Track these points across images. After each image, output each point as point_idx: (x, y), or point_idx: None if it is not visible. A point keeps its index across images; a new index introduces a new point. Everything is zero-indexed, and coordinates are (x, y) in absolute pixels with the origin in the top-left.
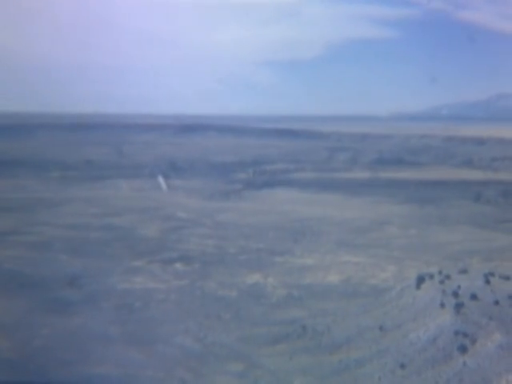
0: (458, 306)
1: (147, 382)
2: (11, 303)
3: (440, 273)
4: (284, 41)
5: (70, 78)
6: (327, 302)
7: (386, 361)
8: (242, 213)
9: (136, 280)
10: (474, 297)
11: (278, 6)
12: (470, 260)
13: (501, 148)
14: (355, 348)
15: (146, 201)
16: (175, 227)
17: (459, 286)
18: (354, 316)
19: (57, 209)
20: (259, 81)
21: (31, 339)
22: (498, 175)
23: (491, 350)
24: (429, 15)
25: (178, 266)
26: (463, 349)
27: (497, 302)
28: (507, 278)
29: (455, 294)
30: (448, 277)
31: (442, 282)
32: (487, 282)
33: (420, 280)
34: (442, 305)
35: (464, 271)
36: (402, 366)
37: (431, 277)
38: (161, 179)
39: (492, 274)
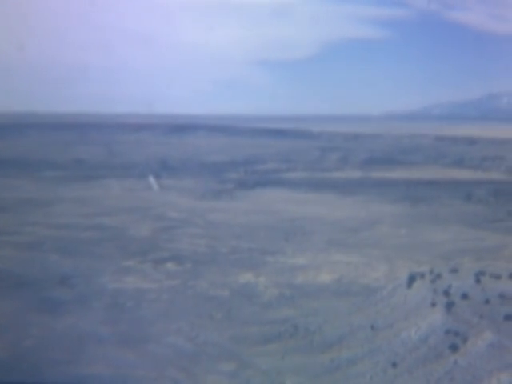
0: (449, 305)
1: (139, 382)
2: (1, 303)
3: (431, 272)
4: (277, 41)
5: (60, 77)
6: (319, 301)
7: (378, 360)
8: (234, 212)
9: (127, 280)
10: (465, 296)
11: (272, 5)
12: (461, 259)
13: (492, 148)
14: (347, 347)
15: (137, 200)
16: (167, 227)
17: (450, 285)
18: (346, 315)
19: (47, 209)
20: (252, 80)
21: (21, 339)
22: (489, 175)
23: (482, 349)
24: (421, 15)
25: (170, 265)
26: (454, 347)
27: (487, 301)
28: (498, 277)
29: (446, 293)
30: (439, 276)
31: (433, 281)
32: (478, 281)
33: (411, 279)
34: (433, 304)
35: (455, 270)
36: (394, 365)
37: (422, 276)
38: (152, 179)
39: (483, 273)
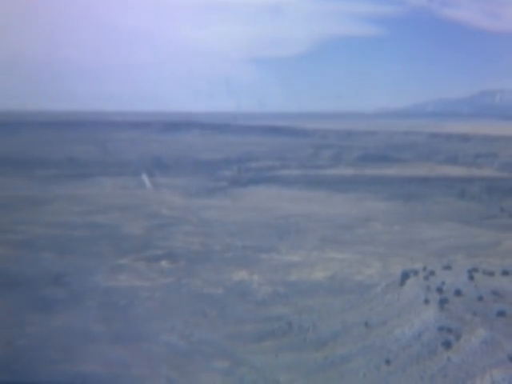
0: (443, 302)
1: (133, 380)
2: None
3: (424, 269)
4: (268, 38)
5: (53, 75)
6: (313, 298)
7: (372, 357)
8: (228, 210)
9: (121, 278)
10: (458, 293)
11: (262, 2)
12: (455, 256)
13: (485, 144)
14: (341, 344)
15: (130, 198)
16: (160, 225)
17: (443, 282)
18: (340, 312)
19: (41, 207)
20: (243, 78)
21: (16, 338)
22: (482, 171)
23: (475, 346)
24: (415, 13)
25: (164, 263)
26: (448, 344)
27: (481, 298)
28: (491, 273)
29: (439, 290)
30: (432, 273)
31: (426, 278)
32: (471, 277)
33: (405, 276)
34: (427, 301)
35: (448, 267)
36: (387, 362)
37: (416, 273)
38: (145, 177)
39: (476, 270)
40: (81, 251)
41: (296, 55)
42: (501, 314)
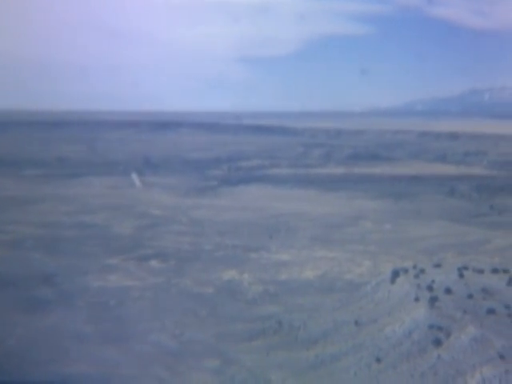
0: (433, 300)
1: (123, 380)
2: None
3: (414, 267)
4: (259, 37)
5: (42, 75)
6: (303, 297)
7: (362, 355)
8: (218, 209)
9: (111, 278)
10: (448, 290)
11: (253, 2)
12: (445, 254)
13: (474, 143)
14: (331, 343)
15: (120, 198)
16: (150, 224)
17: (433, 280)
18: (330, 311)
19: (29, 207)
20: (235, 77)
21: (5, 338)
22: (472, 170)
23: (465, 343)
24: (404, 12)
25: (154, 263)
26: (438, 342)
27: (471, 296)
28: (481, 271)
29: (430, 288)
30: (422, 271)
31: (416, 277)
32: (461, 275)
33: (395, 274)
34: (417, 299)
35: (438, 265)
36: (378, 360)
37: (406, 271)
38: (135, 176)
39: (466, 268)
40: (70, 251)
41: (286, 54)
42: (491, 311)
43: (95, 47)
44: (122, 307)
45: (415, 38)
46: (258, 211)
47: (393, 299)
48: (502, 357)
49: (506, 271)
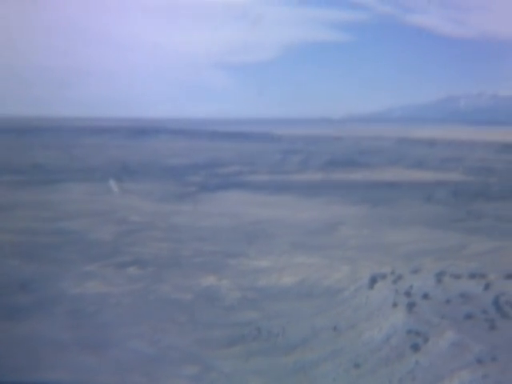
0: (411, 306)
1: None
2: None
3: (393, 273)
4: (238, 43)
5: (15, 79)
6: (282, 303)
7: (341, 361)
8: (196, 215)
9: (89, 285)
10: (426, 296)
11: (233, 8)
12: (422, 260)
13: (451, 149)
14: (310, 349)
15: (97, 204)
16: (128, 231)
17: (411, 286)
18: (309, 317)
19: (5, 213)
20: (214, 83)
21: None
22: (449, 176)
23: (443, 348)
24: (379, 19)
25: (132, 269)
26: (416, 347)
27: (448, 301)
28: (458, 276)
29: (408, 294)
30: (400, 277)
31: (394, 282)
32: (439, 281)
33: (373, 280)
34: (395, 304)
35: (416, 271)
36: (357, 366)
37: (384, 277)
38: (113, 182)
39: (443, 273)
40: (47, 258)
41: (266, 61)
42: (468, 316)
43: (72, 52)
44: (100, 314)
45: (393, 45)
46: (236, 217)
47: (371, 305)
48: (479, 362)
49: (483, 276)
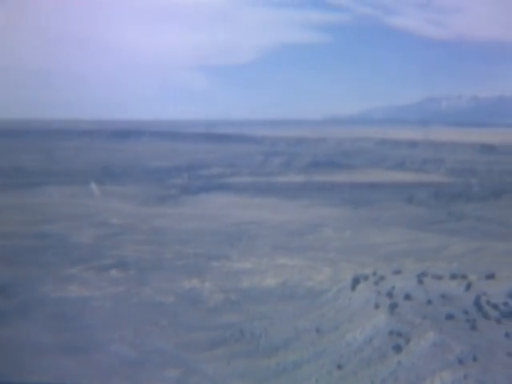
0: (393, 307)
1: None
2: None
3: (374, 274)
4: (218, 46)
5: None
6: (264, 305)
7: (323, 362)
8: (178, 218)
9: (70, 288)
10: (407, 297)
11: (212, 10)
12: (404, 261)
13: (432, 150)
14: (292, 350)
15: (79, 207)
16: (110, 234)
17: (393, 287)
18: (291, 319)
19: None
20: (194, 86)
21: None
22: (430, 177)
23: (425, 349)
24: (360, 20)
25: (114, 272)
26: (398, 348)
27: (430, 302)
28: (439, 277)
29: (389, 295)
30: (382, 278)
31: (376, 283)
32: (420, 282)
33: (355, 281)
34: (377, 305)
35: (398, 272)
36: (339, 367)
37: (366, 278)
38: (94, 185)
39: (425, 274)
40: (28, 261)
41: (246, 63)
42: (449, 317)
43: (52, 54)
44: (82, 318)
45: (374, 47)
46: (218, 219)
47: (353, 306)
48: (460, 362)
49: (464, 277)
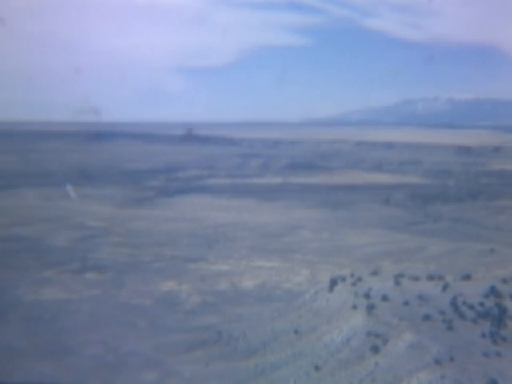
0: (370, 308)
1: None
2: None
3: (352, 275)
4: (196, 47)
5: None
6: (242, 307)
7: (301, 363)
8: (156, 220)
9: (45, 291)
10: (385, 298)
11: (190, 12)
12: (381, 262)
13: (409, 152)
14: (271, 352)
15: (54, 210)
16: (86, 236)
17: (371, 288)
18: (269, 320)
19: None
20: (171, 87)
21: None
22: (407, 178)
23: (402, 350)
24: (337, 23)
25: (90, 275)
26: (375, 349)
27: (407, 303)
28: (416, 278)
29: (367, 296)
30: (360, 279)
31: (354, 285)
32: (397, 283)
33: (333, 283)
34: (355, 306)
35: (375, 273)
36: (317, 368)
37: (343, 279)
38: (70, 187)
39: (402, 276)
40: (2, 264)
41: (224, 65)
42: (426, 317)
43: (30, 54)
44: (58, 321)
45: (350, 49)
46: (196, 221)
47: (331, 307)
48: (437, 362)
49: (441, 278)
